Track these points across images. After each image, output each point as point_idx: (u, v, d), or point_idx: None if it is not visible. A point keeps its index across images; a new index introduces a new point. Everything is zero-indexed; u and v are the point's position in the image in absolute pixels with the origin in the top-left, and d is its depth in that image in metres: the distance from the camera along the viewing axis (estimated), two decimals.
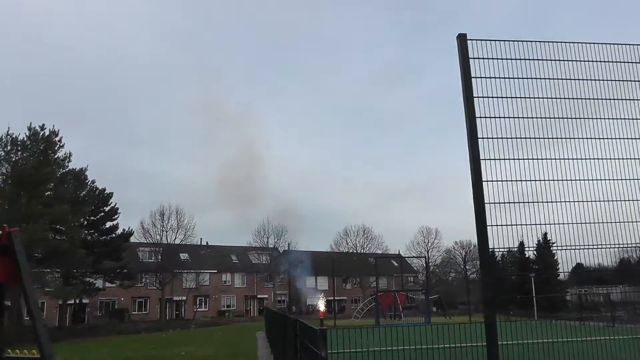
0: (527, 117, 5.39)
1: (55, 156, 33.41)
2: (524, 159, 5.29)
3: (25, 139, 32.08)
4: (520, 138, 5.34)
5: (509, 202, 5.13)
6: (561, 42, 5.62)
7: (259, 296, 65.96)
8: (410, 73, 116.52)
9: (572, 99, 5.55)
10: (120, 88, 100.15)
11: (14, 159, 30.95)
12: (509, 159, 5.23)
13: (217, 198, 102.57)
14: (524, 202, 5.19)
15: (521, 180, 5.26)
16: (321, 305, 47.95)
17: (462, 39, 5.73)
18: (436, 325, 17.90)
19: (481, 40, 5.65)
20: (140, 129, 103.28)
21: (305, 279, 68.01)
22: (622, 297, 38.22)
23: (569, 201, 5.26)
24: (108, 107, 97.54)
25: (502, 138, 5.26)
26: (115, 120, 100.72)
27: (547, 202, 5.29)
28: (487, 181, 5.21)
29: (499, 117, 5.31)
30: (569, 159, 5.37)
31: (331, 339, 7.53)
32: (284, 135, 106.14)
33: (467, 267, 68.72)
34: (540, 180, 5.31)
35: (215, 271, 63.00)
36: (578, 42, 5.64)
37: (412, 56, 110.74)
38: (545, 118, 5.46)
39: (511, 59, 5.53)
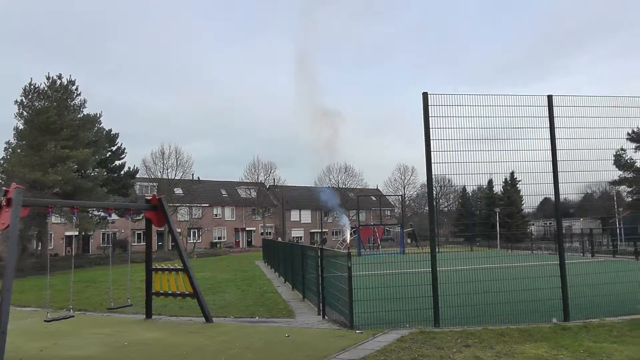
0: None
1: (73, 102, 36.93)
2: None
3: (45, 88, 35.38)
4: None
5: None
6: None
7: (247, 228, 71.21)
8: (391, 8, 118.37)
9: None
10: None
11: (37, 107, 34.46)
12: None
13: (202, 129, 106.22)
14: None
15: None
16: (347, 237, 54.89)
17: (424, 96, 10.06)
18: (408, 254, 23.01)
19: (439, 94, 10.01)
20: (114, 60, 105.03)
21: (290, 212, 73.39)
22: (583, 229, 43.48)
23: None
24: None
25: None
26: (86, 50, 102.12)
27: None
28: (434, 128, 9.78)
29: None
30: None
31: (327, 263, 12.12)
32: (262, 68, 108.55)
33: (440, 201, 74.52)
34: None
35: (207, 205, 67.66)
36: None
37: None
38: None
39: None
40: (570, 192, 11.16)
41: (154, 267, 11.92)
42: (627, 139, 30.50)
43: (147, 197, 11.67)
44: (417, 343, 8.31)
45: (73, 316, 9.22)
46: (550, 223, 62.48)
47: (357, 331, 9.50)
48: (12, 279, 7.34)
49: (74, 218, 10.68)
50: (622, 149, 31.18)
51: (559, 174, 10.58)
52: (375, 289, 10.37)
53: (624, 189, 47.31)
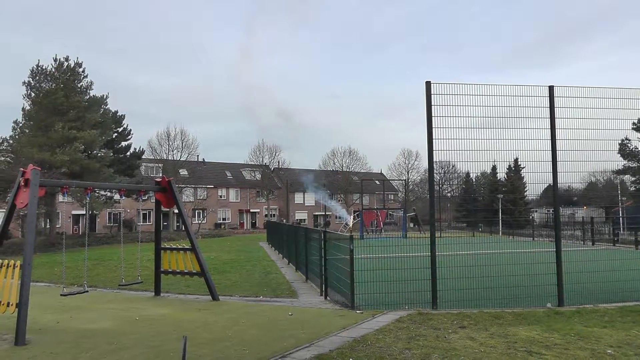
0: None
1: (80, 84, 37.24)
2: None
3: (52, 69, 35.70)
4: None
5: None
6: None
7: (251, 210, 71.74)
8: None
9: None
10: None
11: (45, 88, 34.79)
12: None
13: (210, 109, 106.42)
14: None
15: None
16: (350, 221, 55.49)
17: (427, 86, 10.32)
18: (410, 239, 23.42)
19: (442, 83, 10.27)
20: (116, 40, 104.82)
21: (294, 195, 73.90)
22: (584, 218, 43.54)
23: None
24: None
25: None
26: (91, 29, 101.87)
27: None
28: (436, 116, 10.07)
29: None
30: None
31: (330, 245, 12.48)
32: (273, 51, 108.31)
33: (443, 186, 74.63)
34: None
35: (212, 186, 68.13)
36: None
37: None
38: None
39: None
40: (573, 181, 11.47)
41: (162, 246, 12.33)
42: (632, 128, 30.65)
43: (157, 180, 12.06)
44: (414, 323, 8.69)
45: (87, 291, 9.65)
46: (552, 210, 62.43)
47: (357, 311, 9.90)
48: (32, 254, 7.74)
49: (87, 199, 11.06)
50: (626, 139, 31.42)
51: (560, 163, 10.86)
52: (376, 271, 10.74)
53: (628, 178, 47.47)
